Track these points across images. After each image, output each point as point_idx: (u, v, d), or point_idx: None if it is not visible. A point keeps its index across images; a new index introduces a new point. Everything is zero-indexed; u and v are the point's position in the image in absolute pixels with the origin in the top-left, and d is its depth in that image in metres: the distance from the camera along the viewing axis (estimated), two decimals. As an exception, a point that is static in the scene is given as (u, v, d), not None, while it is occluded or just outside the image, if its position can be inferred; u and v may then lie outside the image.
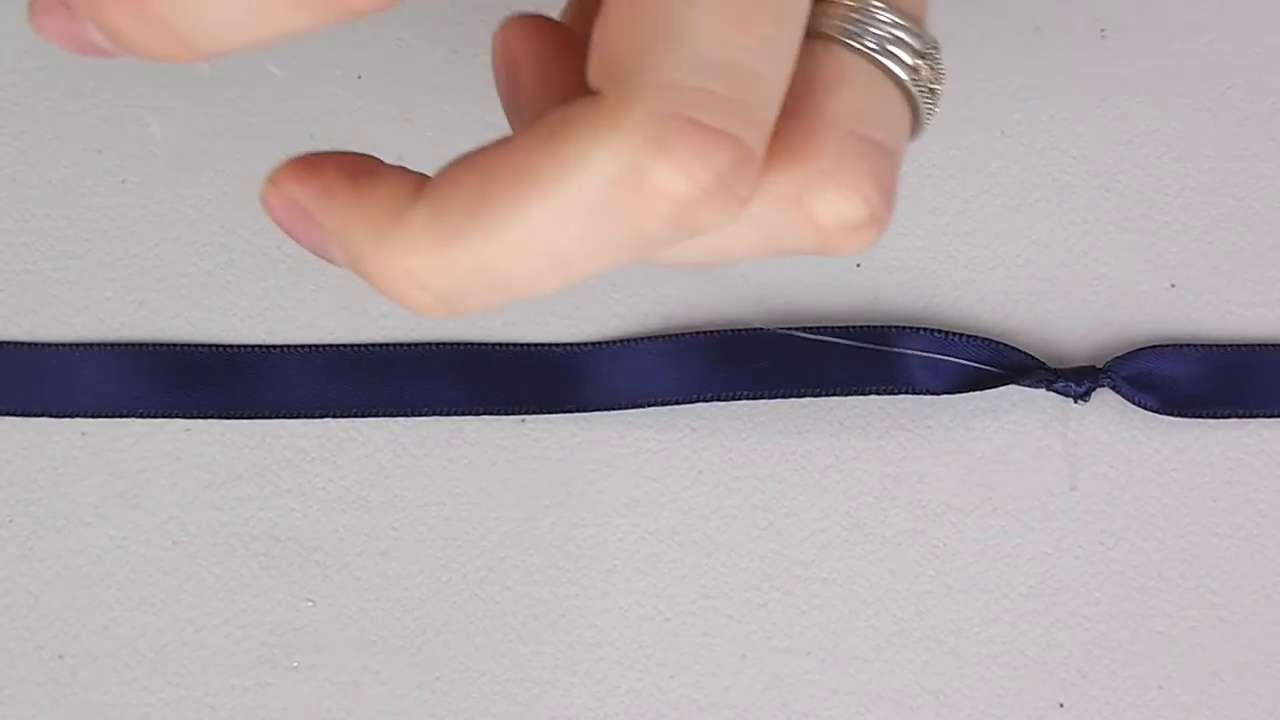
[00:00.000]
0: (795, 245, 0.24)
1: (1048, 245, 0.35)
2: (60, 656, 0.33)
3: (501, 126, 0.38)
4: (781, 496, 0.34)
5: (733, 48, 0.22)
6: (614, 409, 0.35)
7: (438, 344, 0.36)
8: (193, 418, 0.35)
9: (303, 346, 0.36)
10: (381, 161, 0.26)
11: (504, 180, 0.23)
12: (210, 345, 0.36)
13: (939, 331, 0.35)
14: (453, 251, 0.23)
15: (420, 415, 0.35)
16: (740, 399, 0.35)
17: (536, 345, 0.35)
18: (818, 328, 0.35)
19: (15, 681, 0.33)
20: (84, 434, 0.35)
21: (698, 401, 0.35)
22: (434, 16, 0.37)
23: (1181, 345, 0.35)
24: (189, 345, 0.36)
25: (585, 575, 0.34)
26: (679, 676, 0.33)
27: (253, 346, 0.36)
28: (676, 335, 0.35)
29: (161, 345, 0.36)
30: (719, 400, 0.35)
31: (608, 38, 0.23)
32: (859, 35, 0.24)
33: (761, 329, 0.35)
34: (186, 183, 0.36)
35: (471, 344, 0.36)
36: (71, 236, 0.36)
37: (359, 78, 0.37)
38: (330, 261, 0.25)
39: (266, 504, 0.34)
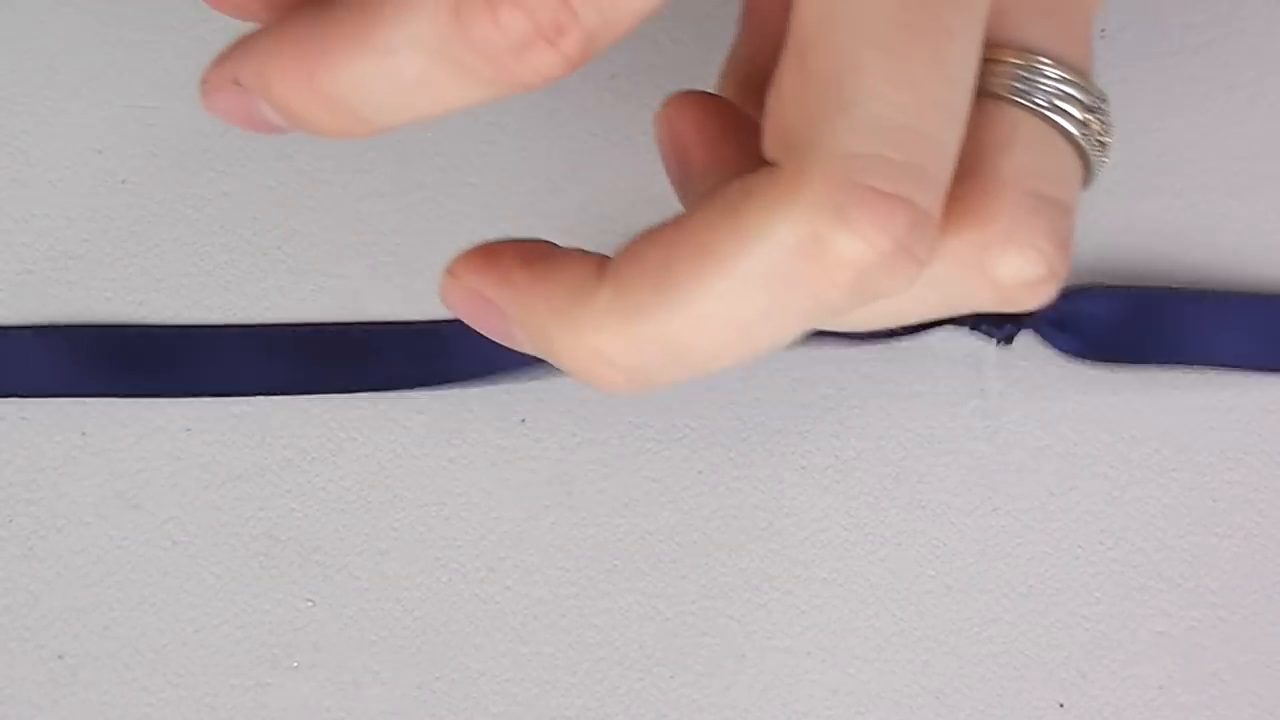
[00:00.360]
0: (974, 303, 0.25)
1: (1048, 245, 0.35)
2: (60, 656, 0.33)
3: (501, 123, 0.38)
4: (781, 496, 0.34)
5: (905, 112, 0.23)
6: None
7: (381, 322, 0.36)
8: (115, 396, 0.35)
9: (235, 327, 0.35)
10: (556, 245, 0.26)
11: (686, 256, 0.23)
12: (143, 325, 0.36)
13: None
14: (639, 329, 0.24)
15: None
16: None
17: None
18: None
19: (15, 681, 0.33)
20: (84, 434, 0.35)
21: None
22: (434, 16, 0.37)
23: (1106, 287, 0.35)
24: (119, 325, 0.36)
25: (585, 575, 0.34)
26: (679, 676, 0.33)
27: (181, 326, 0.36)
28: None
29: (109, 326, 0.36)
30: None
31: (781, 107, 0.24)
32: (1028, 93, 0.24)
33: None
34: (186, 183, 0.36)
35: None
36: (71, 236, 0.36)
37: (359, 78, 0.37)
38: (513, 345, 0.26)
39: (266, 504, 0.34)
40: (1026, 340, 0.35)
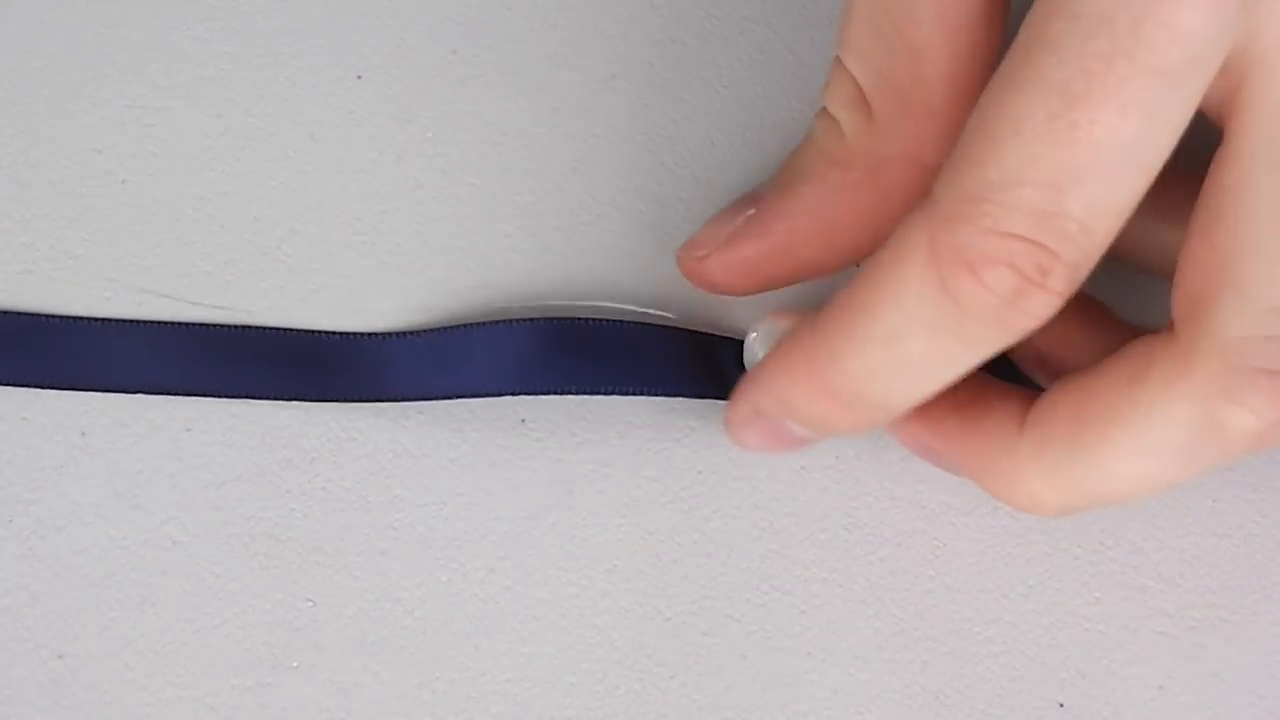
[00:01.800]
0: None
1: (1048, 245, 0.35)
2: (60, 656, 0.33)
3: (501, 123, 0.38)
4: (781, 496, 0.34)
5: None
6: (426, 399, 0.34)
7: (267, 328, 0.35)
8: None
9: (125, 321, 0.35)
10: (979, 381, 0.29)
11: (1095, 420, 0.26)
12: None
13: None
14: (1058, 479, 0.27)
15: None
16: (568, 393, 0.34)
17: (345, 334, 0.35)
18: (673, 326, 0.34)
19: (15, 681, 0.33)
20: (84, 434, 0.35)
21: (516, 394, 0.34)
22: (434, 16, 0.37)
23: None
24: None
25: (585, 575, 0.34)
26: (679, 676, 0.33)
27: (70, 318, 0.35)
28: (515, 321, 0.34)
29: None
30: (539, 394, 0.34)
31: (1186, 268, 0.26)
32: None
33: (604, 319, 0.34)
34: (186, 182, 0.36)
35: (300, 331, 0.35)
36: (71, 236, 0.36)
37: (359, 78, 0.37)
38: (958, 476, 0.30)
39: (266, 504, 0.34)
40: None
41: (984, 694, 0.33)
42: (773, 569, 0.34)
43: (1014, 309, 0.25)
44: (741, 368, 0.33)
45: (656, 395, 0.34)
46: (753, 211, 0.31)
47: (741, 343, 0.33)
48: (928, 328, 0.26)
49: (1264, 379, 0.25)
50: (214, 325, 0.35)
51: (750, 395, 0.30)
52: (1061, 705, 0.33)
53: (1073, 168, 0.24)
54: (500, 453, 0.34)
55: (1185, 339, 0.26)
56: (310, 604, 0.34)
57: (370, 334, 0.35)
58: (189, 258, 0.36)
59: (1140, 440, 0.26)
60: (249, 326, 0.35)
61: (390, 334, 0.35)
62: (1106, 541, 0.34)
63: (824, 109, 0.31)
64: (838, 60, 0.30)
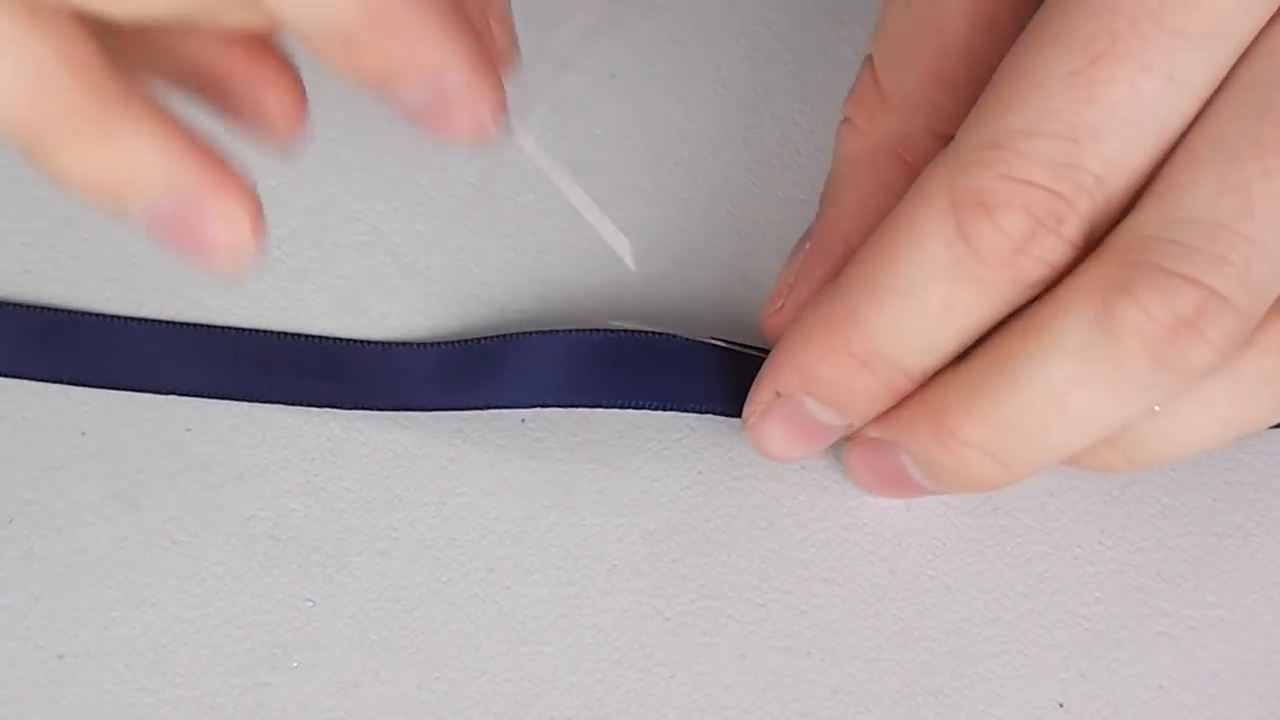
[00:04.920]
0: None
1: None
2: (60, 656, 0.33)
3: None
4: (781, 496, 0.34)
5: (1224, 213, 0.24)
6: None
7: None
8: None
9: (161, 322, 0.35)
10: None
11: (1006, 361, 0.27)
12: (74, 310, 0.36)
13: None
14: (984, 408, 0.27)
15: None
16: (592, 406, 0.34)
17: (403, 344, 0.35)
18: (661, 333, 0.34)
19: (15, 681, 0.33)
20: (84, 434, 0.35)
21: (548, 407, 0.34)
22: (434, 17, 0.37)
23: None
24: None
25: (585, 575, 0.34)
26: (679, 676, 0.33)
27: (95, 314, 0.35)
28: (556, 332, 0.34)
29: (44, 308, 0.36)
30: (560, 406, 0.34)
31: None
32: None
33: (638, 331, 0.34)
34: (186, 183, 0.36)
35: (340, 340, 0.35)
36: (71, 236, 0.36)
37: (359, 78, 0.37)
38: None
39: (266, 504, 0.34)
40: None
41: (984, 694, 0.33)
42: (773, 569, 0.34)
43: (1026, 253, 0.25)
44: None
45: (689, 412, 0.34)
46: (808, 245, 0.31)
47: None
48: (945, 275, 0.26)
49: (1160, 276, 0.25)
50: (248, 330, 0.35)
51: (769, 377, 0.30)
52: (1061, 705, 0.33)
53: (1091, 123, 0.25)
54: (500, 453, 0.34)
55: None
56: (310, 604, 0.34)
57: (401, 345, 0.35)
58: (189, 258, 0.36)
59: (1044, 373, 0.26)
60: (282, 333, 0.35)
61: (422, 345, 0.35)
62: (1106, 541, 0.34)
63: (844, 118, 0.31)
64: (866, 60, 0.31)
